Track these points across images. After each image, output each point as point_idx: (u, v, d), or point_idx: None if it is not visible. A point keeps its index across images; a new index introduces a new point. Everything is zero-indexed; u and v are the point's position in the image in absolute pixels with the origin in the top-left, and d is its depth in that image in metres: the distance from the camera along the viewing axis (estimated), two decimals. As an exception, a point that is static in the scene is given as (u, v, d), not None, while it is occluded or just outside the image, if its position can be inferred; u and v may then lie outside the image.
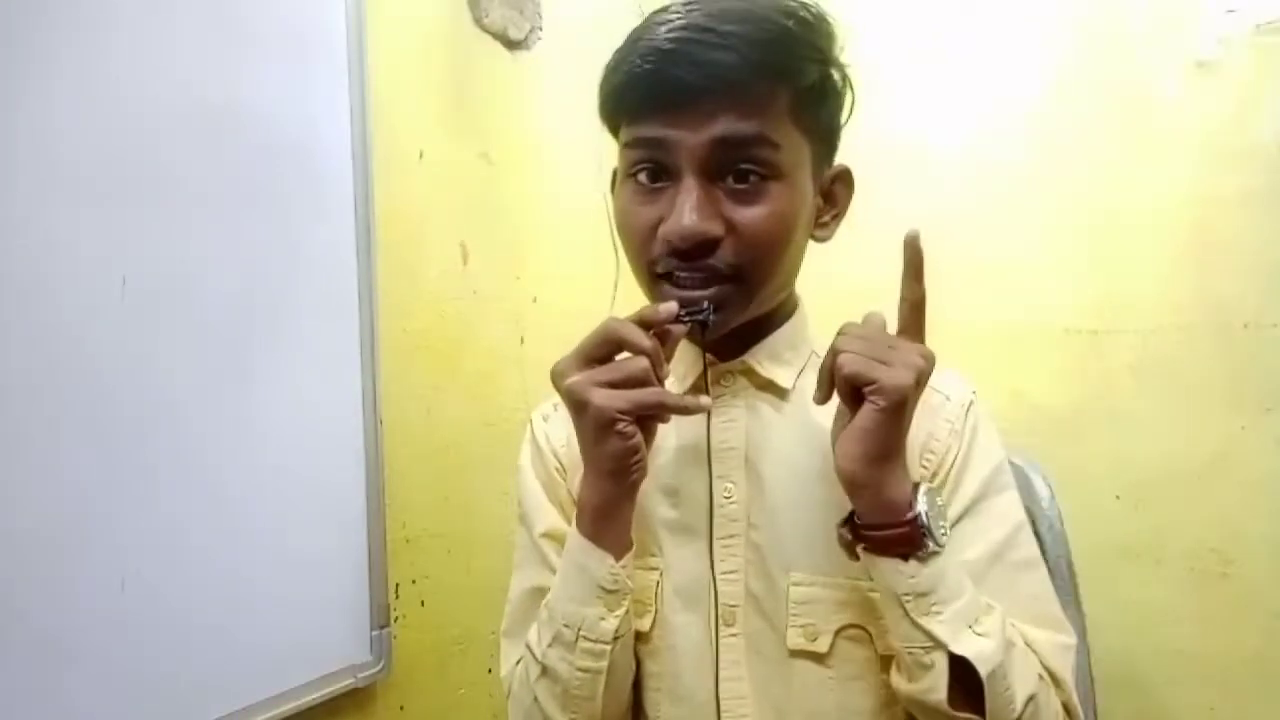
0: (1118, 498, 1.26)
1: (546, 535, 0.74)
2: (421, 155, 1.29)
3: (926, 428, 0.69)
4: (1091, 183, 1.31)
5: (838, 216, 0.73)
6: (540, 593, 0.71)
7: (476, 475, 1.33)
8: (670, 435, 0.70)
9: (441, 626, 1.29)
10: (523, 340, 1.44)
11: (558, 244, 1.48)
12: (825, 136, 0.70)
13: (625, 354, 0.63)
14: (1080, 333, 1.31)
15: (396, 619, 1.20)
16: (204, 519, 0.95)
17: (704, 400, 0.65)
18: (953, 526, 0.67)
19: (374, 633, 1.15)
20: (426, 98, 1.31)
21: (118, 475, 0.87)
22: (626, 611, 0.67)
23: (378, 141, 1.17)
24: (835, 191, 0.72)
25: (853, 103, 0.71)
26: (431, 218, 1.30)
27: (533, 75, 1.47)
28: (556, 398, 0.67)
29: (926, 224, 1.47)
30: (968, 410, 0.70)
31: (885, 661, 0.67)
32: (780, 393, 0.72)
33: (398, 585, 1.21)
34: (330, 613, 1.10)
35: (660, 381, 0.63)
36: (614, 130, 0.71)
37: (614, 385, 0.62)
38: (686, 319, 0.64)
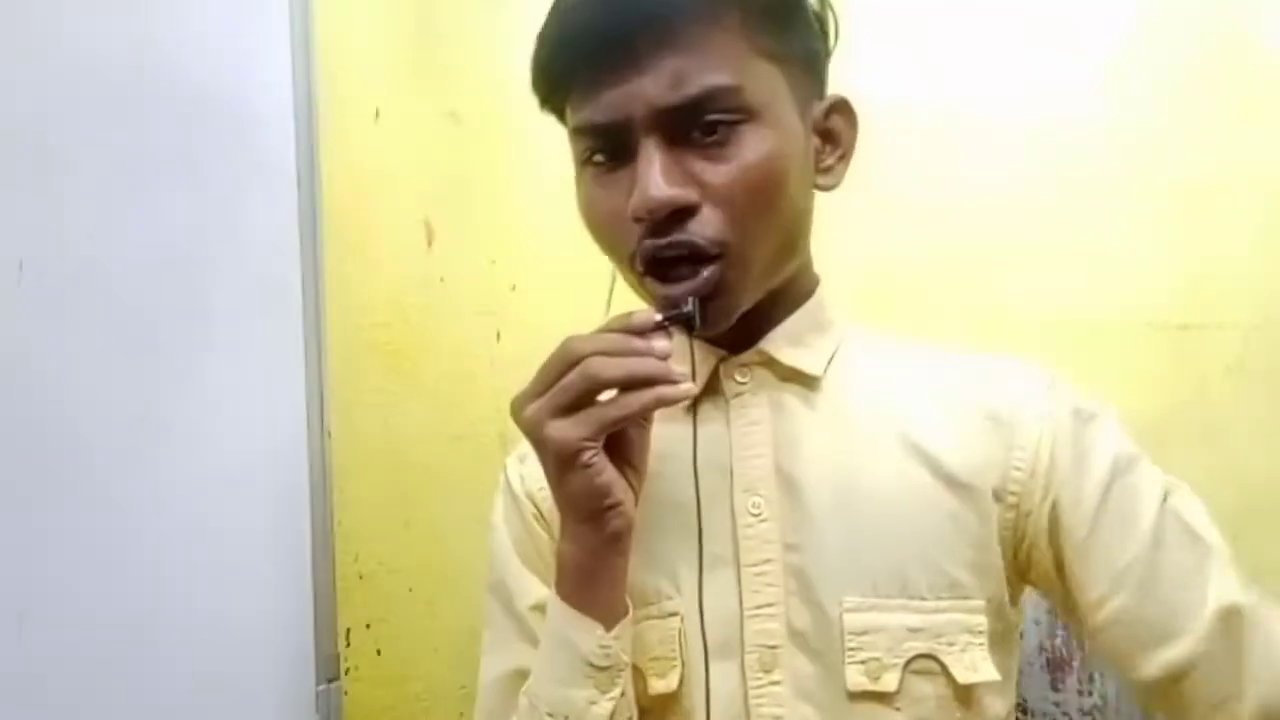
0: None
1: (537, 608, 0.74)
2: (377, 115, 1.29)
3: (1005, 422, 0.70)
4: (1182, 148, 1.31)
5: (844, 157, 0.73)
6: (523, 677, 0.71)
7: (442, 499, 1.34)
8: (680, 446, 0.70)
9: (402, 680, 1.29)
10: (498, 336, 1.45)
11: (540, 221, 1.48)
12: (803, 62, 0.70)
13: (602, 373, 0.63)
14: (1168, 328, 1.31)
15: (347, 671, 1.21)
16: (115, 549, 0.95)
17: (685, 386, 0.64)
18: (1092, 531, 0.68)
19: (320, 688, 1.16)
20: (383, 46, 1.31)
21: (10, 496, 0.87)
22: (623, 693, 0.67)
23: (325, 99, 1.17)
24: (834, 127, 0.72)
25: (836, 26, 0.72)
26: (389, 190, 1.31)
27: (509, 19, 1.48)
28: None
29: (982, 199, 1.48)
30: (1051, 390, 0.72)
31: (963, 694, 0.67)
32: (809, 383, 0.73)
33: (349, 630, 1.22)
34: (267, 664, 1.10)
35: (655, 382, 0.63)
36: (558, 113, 0.73)
37: (570, 409, 0.62)
38: (667, 323, 0.65)
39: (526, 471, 0.78)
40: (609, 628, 0.66)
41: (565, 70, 0.68)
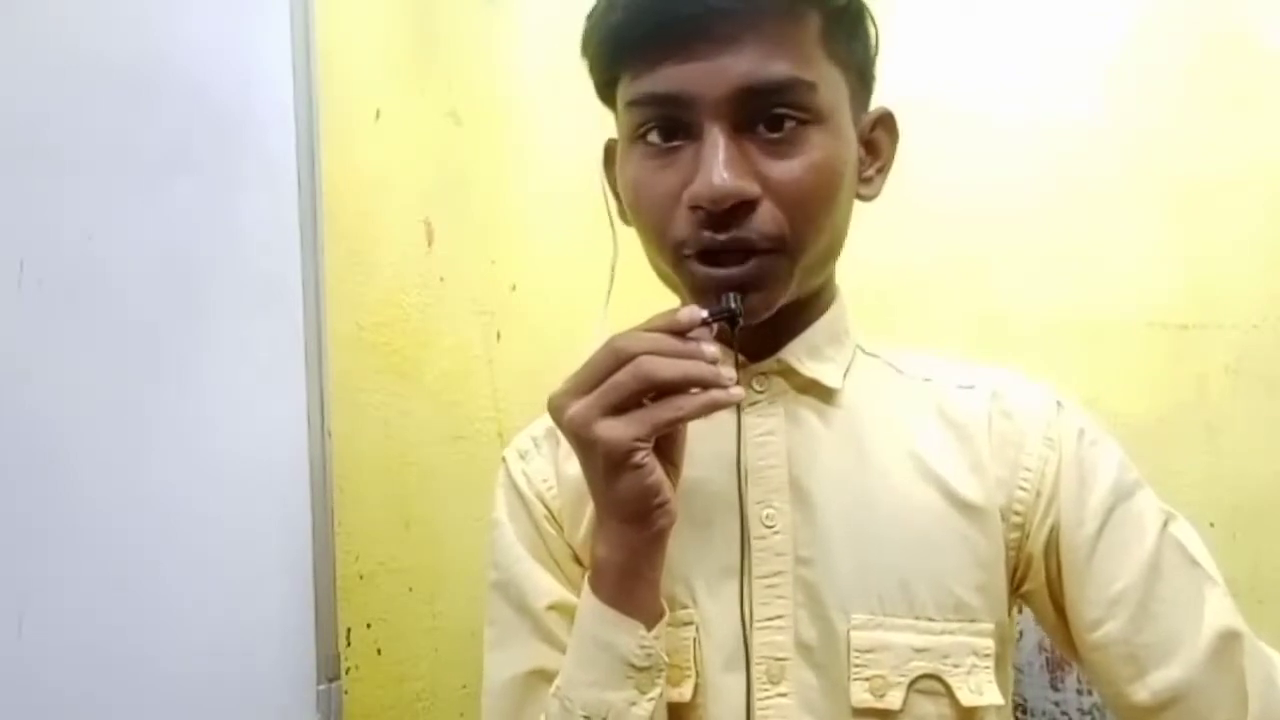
0: (1212, 525, 1.26)
1: (555, 608, 0.73)
2: (378, 115, 1.29)
3: (1013, 443, 0.71)
4: (1182, 148, 1.31)
5: (883, 170, 0.74)
6: (541, 677, 0.70)
7: (443, 498, 1.34)
8: (695, 456, 0.69)
9: (402, 679, 1.29)
10: (499, 336, 1.45)
11: (541, 221, 1.48)
12: (860, 71, 0.70)
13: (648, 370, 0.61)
14: (1167, 328, 1.31)
15: (348, 670, 1.21)
16: (115, 549, 0.95)
17: (736, 391, 0.62)
18: (1091, 554, 0.68)
19: (321, 687, 1.16)
20: (383, 46, 1.31)
21: (10, 496, 0.87)
22: (661, 692, 0.66)
23: (325, 99, 1.17)
24: (877, 140, 0.73)
25: (877, 35, 0.72)
26: (389, 190, 1.31)
27: (510, 19, 1.48)
28: (534, 417, 0.66)
29: (982, 199, 1.49)
30: (1059, 412, 0.72)
31: (965, 716, 0.67)
32: (826, 395, 0.72)
33: (349, 630, 1.22)
34: (267, 664, 1.10)
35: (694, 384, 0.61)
36: (605, 88, 0.71)
37: (620, 409, 0.61)
38: (713, 320, 0.64)
39: (530, 469, 0.77)
40: (649, 627, 0.65)
41: (639, 37, 0.65)
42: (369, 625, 1.25)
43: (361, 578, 1.24)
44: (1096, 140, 1.35)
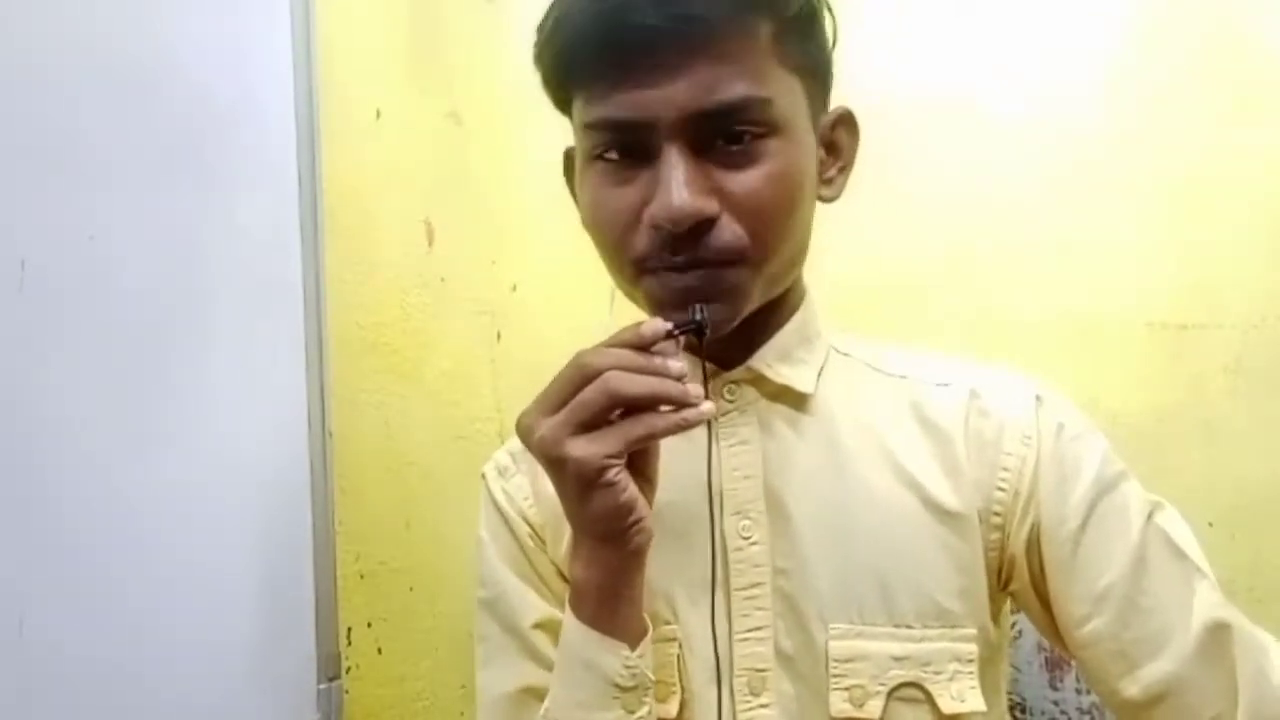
0: (1210, 525, 1.26)
1: (540, 626, 0.73)
2: (378, 115, 1.29)
3: (991, 442, 0.70)
4: (1183, 148, 1.31)
5: (844, 169, 0.73)
6: (531, 695, 0.70)
7: (444, 498, 1.34)
8: (669, 469, 0.68)
9: (402, 679, 1.29)
10: (499, 336, 1.45)
11: (541, 222, 1.48)
12: (817, 73, 0.70)
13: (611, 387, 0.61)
14: (1167, 327, 1.31)
15: (349, 670, 1.21)
16: (115, 550, 0.95)
17: (706, 407, 0.62)
18: (1076, 550, 0.67)
19: (321, 686, 1.16)
20: (383, 46, 1.31)
21: (11, 497, 0.87)
22: (649, 710, 0.66)
23: (325, 99, 1.17)
24: (838, 139, 0.72)
25: (834, 28, 0.71)
26: (390, 190, 1.31)
27: (511, 19, 1.48)
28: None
29: (980, 198, 1.48)
30: (1038, 407, 0.71)
31: None
32: (798, 401, 0.72)
33: (350, 629, 1.22)
34: (269, 663, 1.10)
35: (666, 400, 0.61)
36: (561, 103, 0.71)
37: (589, 426, 0.60)
38: (679, 332, 0.63)
39: (510, 487, 0.77)
40: (633, 646, 0.65)
41: (589, 62, 0.65)
42: (369, 625, 1.25)
43: (362, 577, 1.24)
44: (1095, 139, 1.35)
